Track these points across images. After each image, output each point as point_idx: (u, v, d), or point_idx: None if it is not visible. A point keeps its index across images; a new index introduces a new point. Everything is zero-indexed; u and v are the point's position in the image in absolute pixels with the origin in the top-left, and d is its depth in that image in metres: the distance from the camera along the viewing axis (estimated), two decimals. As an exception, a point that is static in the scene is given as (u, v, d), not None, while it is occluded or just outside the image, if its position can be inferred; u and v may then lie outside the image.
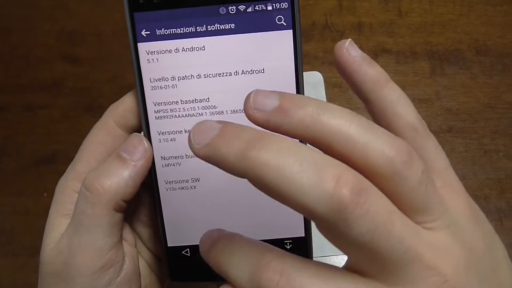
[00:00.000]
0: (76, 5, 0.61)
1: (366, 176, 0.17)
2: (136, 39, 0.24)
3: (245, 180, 0.17)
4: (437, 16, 0.58)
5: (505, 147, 0.51)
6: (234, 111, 0.25)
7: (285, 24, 0.24)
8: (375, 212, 0.15)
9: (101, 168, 0.25)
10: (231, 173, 0.17)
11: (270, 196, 0.16)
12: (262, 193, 0.20)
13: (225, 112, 0.25)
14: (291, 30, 0.24)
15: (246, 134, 0.16)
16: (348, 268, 0.18)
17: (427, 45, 0.57)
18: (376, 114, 0.22)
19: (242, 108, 0.18)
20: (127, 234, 0.27)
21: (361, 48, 0.21)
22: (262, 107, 0.17)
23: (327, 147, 0.17)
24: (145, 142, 0.25)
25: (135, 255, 0.27)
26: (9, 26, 0.61)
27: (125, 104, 0.27)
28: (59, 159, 0.53)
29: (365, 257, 0.17)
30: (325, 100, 0.54)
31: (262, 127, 0.17)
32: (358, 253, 0.17)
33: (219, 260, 0.18)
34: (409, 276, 0.17)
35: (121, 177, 0.24)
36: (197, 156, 0.17)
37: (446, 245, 0.18)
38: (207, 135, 0.17)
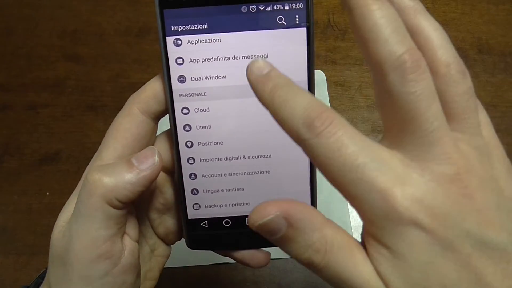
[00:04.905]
0: (78, 4, 0.61)
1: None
2: (165, 32, 0.27)
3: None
4: (439, 15, 0.58)
5: (508, 146, 0.50)
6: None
7: (299, 22, 0.26)
8: (424, 85, 0.18)
9: (108, 165, 0.26)
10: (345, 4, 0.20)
11: (358, 35, 0.19)
12: (276, 170, 0.28)
13: (243, 93, 0.28)
14: (305, 28, 0.26)
15: None
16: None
17: (430, 43, 0.57)
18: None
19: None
20: (131, 229, 0.28)
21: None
22: None
23: (415, 34, 0.20)
24: (157, 156, 0.26)
25: (136, 250, 0.27)
26: (12, 26, 0.61)
27: (147, 92, 0.28)
28: (61, 158, 0.53)
29: (399, 123, 0.19)
30: (327, 99, 0.54)
31: None
32: (395, 116, 0.19)
33: (277, 96, 0.20)
34: (429, 155, 0.19)
35: (121, 178, 0.25)
36: None
37: (468, 153, 0.20)
38: None
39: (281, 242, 0.20)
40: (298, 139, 0.19)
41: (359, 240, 0.21)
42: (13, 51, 0.59)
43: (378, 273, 0.19)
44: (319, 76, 0.55)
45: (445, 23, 0.58)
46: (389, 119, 0.20)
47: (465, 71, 0.20)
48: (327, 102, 0.54)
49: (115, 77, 0.57)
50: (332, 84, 0.55)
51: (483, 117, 0.22)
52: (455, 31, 0.58)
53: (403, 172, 0.19)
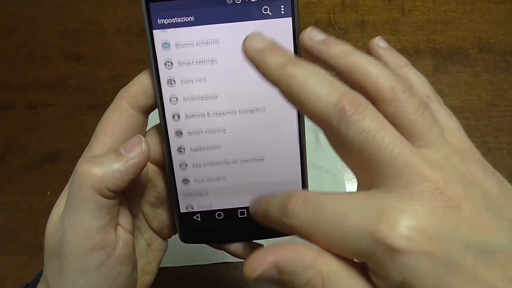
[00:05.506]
0: (80, 4, 0.62)
1: (373, 101, 0.20)
2: (152, 26, 0.27)
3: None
4: (440, 14, 0.58)
5: (508, 145, 0.50)
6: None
7: (284, 12, 0.27)
8: (370, 120, 0.19)
9: (96, 156, 0.26)
10: (268, 79, 0.21)
11: (293, 103, 0.21)
12: (263, 173, 0.29)
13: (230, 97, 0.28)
14: (291, 18, 0.27)
15: (289, 54, 0.21)
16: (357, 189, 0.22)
17: (430, 43, 0.57)
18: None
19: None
20: (124, 220, 0.28)
21: (364, 46, 0.22)
22: (313, 37, 0.23)
23: (348, 75, 0.21)
24: (144, 144, 0.26)
25: (130, 241, 0.28)
26: (13, 25, 0.61)
27: (135, 86, 0.28)
28: (62, 158, 0.53)
29: (363, 165, 0.20)
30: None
31: (307, 50, 0.23)
32: (357, 160, 0.20)
33: (263, 208, 0.23)
34: (402, 181, 0.19)
35: (109, 167, 0.25)
36: (245, 54, 0.22)
37: (440, 164, 0.19)
38: (259, 43, 0.22)
39: (280, 285, 0.21)
40: (284, 227, 0.21)
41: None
42: (15, 50, 0.59)
43: None
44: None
45: (446, 22, 0.58)
46: (354, 164, 0.21)
47: (410, 88, 0.21)
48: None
49: (116, 76, 0.57)
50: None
51: (451, 123, 0.23)
52: (456, 30, 0.58)
53: (382, 206, 0.18)
